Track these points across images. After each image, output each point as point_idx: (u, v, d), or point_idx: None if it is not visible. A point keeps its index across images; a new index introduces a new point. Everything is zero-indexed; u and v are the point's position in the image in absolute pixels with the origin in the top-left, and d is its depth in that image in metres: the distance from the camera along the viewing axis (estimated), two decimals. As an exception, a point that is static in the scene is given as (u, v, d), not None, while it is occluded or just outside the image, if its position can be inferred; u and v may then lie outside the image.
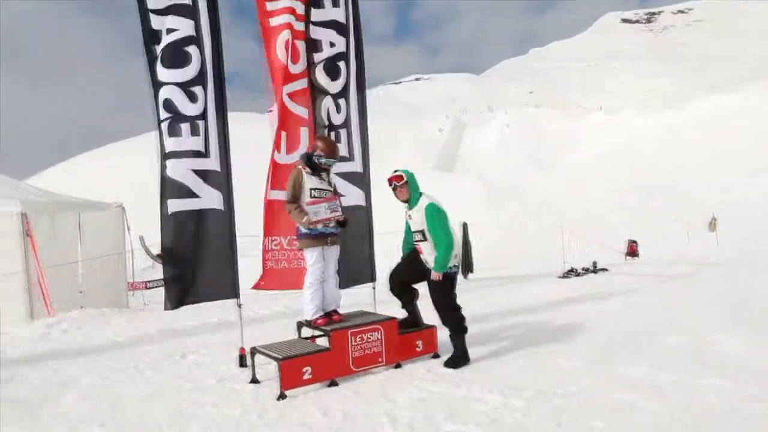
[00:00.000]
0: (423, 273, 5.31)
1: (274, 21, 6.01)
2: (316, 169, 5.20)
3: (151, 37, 5.23)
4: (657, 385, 4.32)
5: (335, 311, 5.37)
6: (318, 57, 6.12)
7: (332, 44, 6.17)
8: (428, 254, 5.23)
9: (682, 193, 40.80)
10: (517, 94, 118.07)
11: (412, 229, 5.34)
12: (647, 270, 13.68)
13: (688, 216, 32.62)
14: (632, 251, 19.98)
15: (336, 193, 5.39)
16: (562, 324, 6.83)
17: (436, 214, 5.13)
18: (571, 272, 13.43)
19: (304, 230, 5.11)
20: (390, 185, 5.33)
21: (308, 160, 5.20)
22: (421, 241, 5.25)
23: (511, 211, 35.89)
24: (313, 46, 6.10)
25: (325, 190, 5.21)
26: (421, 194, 5.32)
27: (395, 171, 5.42)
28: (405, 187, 5.30)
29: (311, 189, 5.13)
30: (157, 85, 5.26)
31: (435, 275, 5.12)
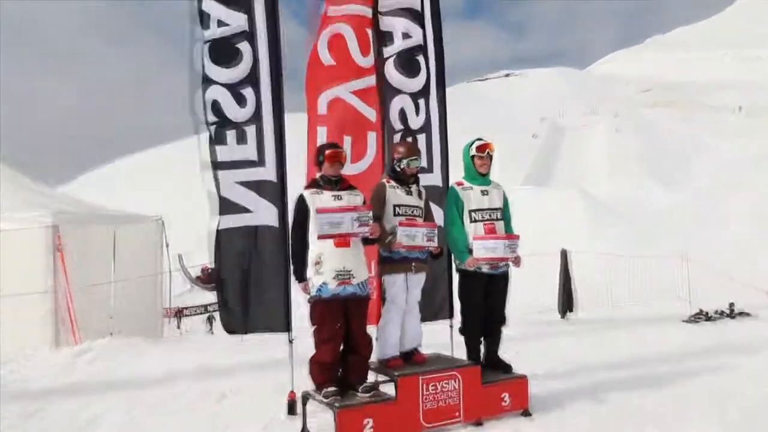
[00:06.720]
0: (500, 293, 5.54)
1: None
2: (402, 181, 5.26)
3: (200, 18, 5.39)
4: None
5: (416, 350, 5.35)
6: (389, 50, 6.16)
7: (406, 35, 6.20)
8: (500, 233, 5.47)
9: None
10: (629, 92, 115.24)
11: (489, 206, 5.51)
12: (803, 316, 12.77)
13: None
14: (782, 291, 18.84)
15: (429, 213, 5.44)
16: (690, 384, 6.43)
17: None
18: (701, 316, 12.73)
19: (385, 253, 5.14)
20: (482, 152, 5.49)
21: (392, 170, 5.31)
22: (497, 219, 5.52)
23: (623, 237, 34.70)
24: (382, 37, 6.15)
25: (413, 206, 5.24)
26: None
27: (479, 138, 5.61)
28: (490, 160, 5.56)
29: (396, 205, 5.17)
30: (204, 80, 5.41)
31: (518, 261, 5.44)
